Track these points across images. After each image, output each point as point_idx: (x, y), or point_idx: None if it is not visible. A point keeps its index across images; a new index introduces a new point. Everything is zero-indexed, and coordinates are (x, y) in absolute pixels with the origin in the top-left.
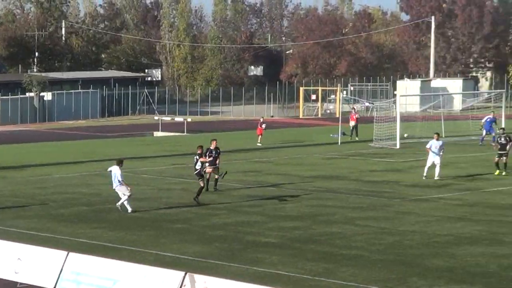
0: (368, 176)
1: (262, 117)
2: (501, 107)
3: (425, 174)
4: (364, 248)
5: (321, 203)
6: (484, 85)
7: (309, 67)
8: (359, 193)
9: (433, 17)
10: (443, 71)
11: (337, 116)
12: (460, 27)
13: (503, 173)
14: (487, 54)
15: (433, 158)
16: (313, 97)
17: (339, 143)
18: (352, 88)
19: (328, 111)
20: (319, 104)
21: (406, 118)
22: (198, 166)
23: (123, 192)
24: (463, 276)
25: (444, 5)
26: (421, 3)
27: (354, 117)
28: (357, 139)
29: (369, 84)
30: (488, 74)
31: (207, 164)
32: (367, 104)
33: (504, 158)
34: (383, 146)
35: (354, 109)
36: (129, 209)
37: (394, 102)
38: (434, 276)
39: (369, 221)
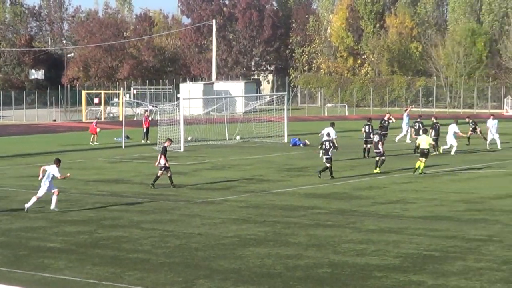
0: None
1: (97, 118)
2: (283, 109)
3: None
4: (151, 252)
5: (105, 207)
6: (266, 87)
7: (91, 70)
8: (144, 196)
9: (214, 21)
10: (225, 74)
11: (121, 119)
12: (241, 31)
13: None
14: (268, 57)
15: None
16: (96, 100)
17: (123, 147)
18: (135, 92)
19: (112, 115)
20: (102, 107)
21: (190, 121)
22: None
23: None
24: (249, 277)
25: (224, 9)
26: (202, 7)
27: (148, 120)
28: (148, 142)
29: (152, 87)
30: (270, 77)
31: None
32: (150, 107)
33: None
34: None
35: (147, 112)
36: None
37: (178, 105)
38: (221, 278)
39: (154, 224)
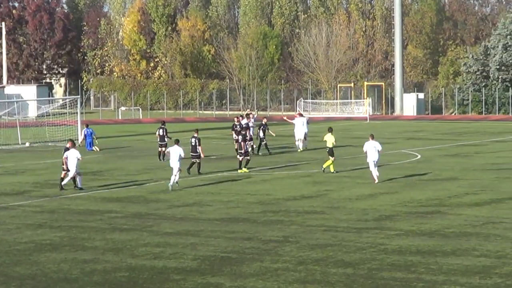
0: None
1: None
2: (77, 113)
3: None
4: None
5: None
6: (59, 91)
7: None
8: None
9: (3, 23)
10: (16, 78)
11: None
12: (32, 34)
13: None
14: (60, 60)
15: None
16: None
17: None
18: None
19: None
20: None
21: None
22: None
23: None
24: (46, 283)
25: (14, 11)
26: None
27: None
28: None
29: None
30: (62, 80)
31: None
32: None
33: None
34: None
35: None
36: None
37: None
38: (17, 284)
39: None
